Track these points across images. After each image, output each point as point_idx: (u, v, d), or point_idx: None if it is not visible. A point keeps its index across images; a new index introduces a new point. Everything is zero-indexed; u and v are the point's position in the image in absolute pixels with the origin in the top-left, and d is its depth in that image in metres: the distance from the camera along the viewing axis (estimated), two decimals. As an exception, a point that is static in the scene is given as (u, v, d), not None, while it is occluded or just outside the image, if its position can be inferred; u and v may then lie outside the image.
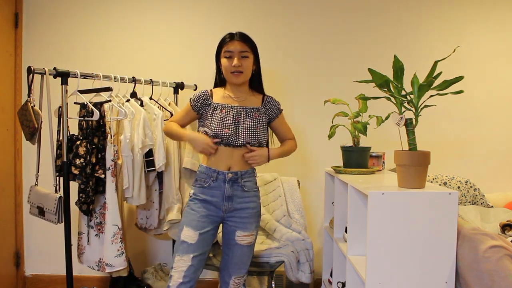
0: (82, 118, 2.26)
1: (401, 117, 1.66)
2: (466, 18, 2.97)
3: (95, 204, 2.28)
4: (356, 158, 2.19)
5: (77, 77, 2.21)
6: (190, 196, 1.98)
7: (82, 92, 2.26)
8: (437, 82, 1.63)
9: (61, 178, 2.22)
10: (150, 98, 2.58)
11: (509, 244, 1.56)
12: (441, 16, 2.97)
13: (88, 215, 2.27)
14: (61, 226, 2.19)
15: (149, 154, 2.42)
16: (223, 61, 1.94)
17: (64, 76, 2.16)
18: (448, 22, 2.97)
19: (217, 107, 1.94)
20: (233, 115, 1.92)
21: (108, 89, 2.24)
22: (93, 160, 2.19)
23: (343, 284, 2.20)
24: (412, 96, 1.67)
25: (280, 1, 3.00)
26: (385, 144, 2.51)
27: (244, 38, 1.93)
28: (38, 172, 2.32)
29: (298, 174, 2.94)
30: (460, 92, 1.66)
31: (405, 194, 1.59)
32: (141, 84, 2.56)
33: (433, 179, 2.75)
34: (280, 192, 2.74)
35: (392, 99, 1.70)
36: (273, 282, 2.42)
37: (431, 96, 1.67)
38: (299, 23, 3.00)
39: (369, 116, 2.21)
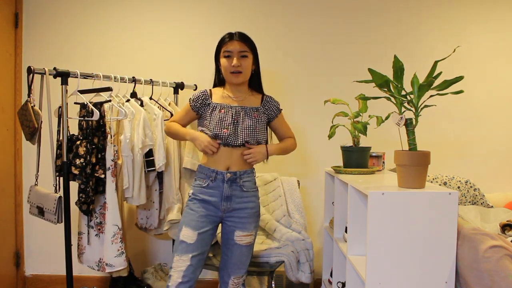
0: (82, 118, 2.26)
1: (401, 117, 1.66)
2: (466, 18, 2.97)
3: (95, 204, 2.28)
4: (356, 158, 2.19)
5: (77, 77, 2.21)
6: (189, 196, 1.98)
7: (82, 92, 2.26)
8: (437, 82, 1.63)
9: (61, 178, 2.22)
10: (150, 98, 2.58)
11: (509, 244, 1.56)
12: (441, 16, 2.97)
13: (88, 215, 2.27)
14: (61, 226, 2.19)
15: (149, 154, 2.42)
16: (223, 61, 1.94)
17: (64, 76, 2.16)
18: (448, 22, 2.97)
19: (216, 107, 1.94)
20: (232, 115, 1.92)
21: (108, 89, 2.24)
22: (93, 160, 2.19)
23: (343, 284, 2.20)
24: (412, 96, 1.67)
25: (280, 1, 3.00)
26: (385, 144, 2.51)
27: (243, 38, 1.93)
28: (38, 172, 2.32)
29: (298, 174, 2.94)
30: (460, 92, 1.66)
31: (405, 194, 1.59)
32: (141, 84, 2.56)
33: (433, 179, 2.75)
34: (280, 192, 2.74)
35: (392, 99, 1.70)
36: (273, 282, 2.42)
37: (431, 96, 1.67)
38: (299, 23, 3.00)
39: (369, 116, 2.21)
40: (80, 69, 2.24)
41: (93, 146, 2.20)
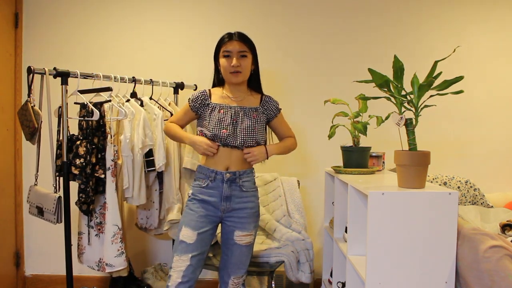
0: (82, 118, 2.26)
1: (401, 117, 1.66)
2: (466, 18, 2.97)
3: (95, 204, 2.28)
4: (356, 158, 2.19)
5: (77, 77, 2.21)
6: (189, 196, 1.98)
7: (82, 92, 2.26)
8: (437, 82, 1.63)
9: (61, 178, 2.22)
10: (150, 98, 2.58)
11: (509, 244, 1.56)
12: (441, 16, 2.97)
13: (88, 215, 2.27)
14: (61, 226, 2.19)
15: (149, 154, 2.42)
16: (222, 61, 1.94)
17: (64, 76, 2.16)
18: (448, 22, 2.97)
19: (215, 107, 1.94)
20: (231, 115, 1.92)
21: (108, 89, 2.24)
22: (93, 160, 2.19)
23: (343, 284, 2.20)
24: (412, 96, 1.67)
25: (280, 1, 3.00)
26: (385, 144, 2.51)
27: (242, 38, 1.93)
28: (37, 172, 2.32)
29: (298, 174, 2.94)
30: (460, 92, 1.66)
31: (405, 194, 1.59)
32: (141, 84, 2.56)
33: (433, 179, 2.75)
34: (280, 192, 2.74)
35: (392, 99, 1.70)
36: (273, 282, 2.42)
37: (431, 96, 1.67)
38: (299, 23, 3.00)
39: (369, 116, 2.21)
40: (80, 69, 2.25)
41: (93, 146, 2.20)
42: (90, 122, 2.24)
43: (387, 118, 1.94)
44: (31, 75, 2.11)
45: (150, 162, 2.42)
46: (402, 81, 1.66)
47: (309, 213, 3.01)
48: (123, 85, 2.47)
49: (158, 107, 2.56)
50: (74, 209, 2.22)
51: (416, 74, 1.68)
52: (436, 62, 1.62)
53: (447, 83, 1.61)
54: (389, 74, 1.66)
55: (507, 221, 2.25)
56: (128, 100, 2.43)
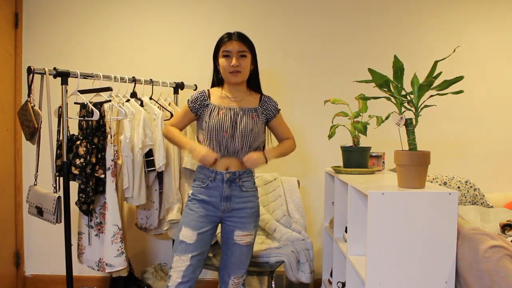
0: (82, 118, 2.26)
1: (401, 117, 1.66)
2: (466, 18, 2.97)
3: (95, 204, 2.28)
4: (356, 158, 2.19)
5: (77, 77, 2.21)
6: (189, 197, 1.98)
7: (82, 92, 2.26)
8: (437, 82, 1.63)
9: (61, 178, 2.22)
10: (150, 98, 2.58)
11: (509, 244, 1.56)
12: (441, 16, 2.97)
13: (88, 215, 2.27)
14: (61, 226, 2.19)
15: (149, 154, 2.42)
16: (221, 61, 1.94)
17: (64, 76, 2.16)
18: (448, 22, 2.97)
19: (215, 108, 1.94)
20: (230, 117, 1.92)
21: (108, 89, 2.24)
22: (93, 160, 2.19)
23: (343, 284, 2.20)
24: (412, 96, 1.67)
25: (280, 1, 3.00)
26: (385, 144, 2.51)
27: (242, 38, 1.93)
28: (37, 172, 2.32)
29: (298, 174, 2.94)
30: (460, 92, 1.66)
31: (405, 194, 1.59)
32: (141, 84, 2.56)
33: (433, 179, 2.75)
34: (280, 192, 2.74)
35: (392, 99, 1.70)
36: (273, 282, 2.42)
37: (431, 96, 1.67)
38: (299, 23, 3.00)
39: (369, 116, 2.21)
40: (80, 69, 2.24)
41: (93, 146, 2.20)
42: (90, 122, 2.24)
43: (387, 118, 1.94)
44: (31, 75, 2.11)
45: (150, 162, 2.42)
46: (402, 81, 1.66)
47: (309, 213, 3.01)
48: (123, 85, 2.47)
49: (158, 107, 2.56)
50: (74, 209, 2.22)
51: (416, 74, 1.68)
52: (436, 62, 1.62)
53: (447, 83, 1.62)
54: (389, 74, 1.66)
55: (507, 221, 2.25)
56: (128, 100, 2.43)
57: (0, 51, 2.83)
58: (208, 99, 1.97)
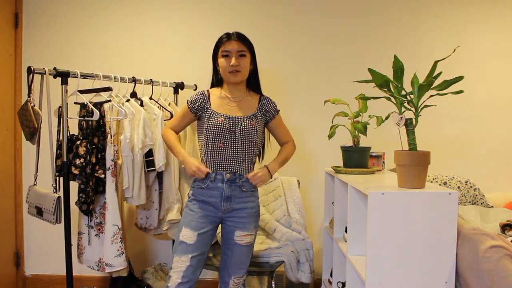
0: (82, 118, 2.26)
1: (401, 117, 1.66)
2: (466, 18, 2.97)
3: (95, 204, 2.28)
4: (356, 158, 2.19)
5: (77, 77, 2.21)
6: (189, 197, 1.98)
7: (82, 92, 2.26)
8: (437, 82, 1.63)
9: (61, 178, 2.22)
10: (150, 98, 2.58)
11: (509, 244, 1.56)
12: (441, 16, 2.97)
13: (88, 215, 2.27)
14: (61, 226, 2.19)
15: (149, 154, 2.42)
16: (221, 60, 1.93)
17: (64, 76, 2.16)
18: (448, 22, 2.97)
19: (213, 115, 1.93)
20: (229, 128, 1.92)
21: (108, 89, 2.24)
22: (93, 160, 2.19)
23: (343, 284, 2.20)
24: (412, 96, 1.67)
25: (280, 1, 3.00)
26: (385, 144, 2.51)
27: (241, 38, 1.93)
28: (37, 172, 2.32)
29: (298, 174, 2.94)
30: (460, 92, 1.66)
31: (405, 194, 1.59)
32: (141, 84, 2.56)
33: (433, 179, 2.75)
34: (280, 192, 2.74)
35: (392, 99, 1.70)
36: (273, 282, 2.42)
37: (431, 96, 1.67)
38: (299, 23, 3.00)
39: (369, 116, 2.21)
40: (80, 69, 2.24)
41: (93, 146, 2.20)
42: (90, 122, 2.24)
43: (387, 118, 1.94)
44: (31, 75, 2.11)
45: (150, 162, 2.42)
46: (402, 81, 1.66)
47: (309, 213, 3.01)
48: (123, 85, 2.47)
49: (158, 107, 2.56)
50: (74, 209, 2.22)
51: (416, 74, 1.68)
52: (436, 62, 1.62)
53: (447, 83, 1.61)
54: (389, 74, 1.66)
55: (507, 221, 2.25)
56: (128, 100, 2.43)
57: (0, 51, 2.83)
58: (208, 101, 1.97)
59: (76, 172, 2.17)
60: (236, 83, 1.96)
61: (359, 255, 1.86)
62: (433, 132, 2.96)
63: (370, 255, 1.59)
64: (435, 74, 1.63)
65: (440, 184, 2.73)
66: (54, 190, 2.21)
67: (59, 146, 2.22)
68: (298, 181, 2.84)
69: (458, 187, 2.73)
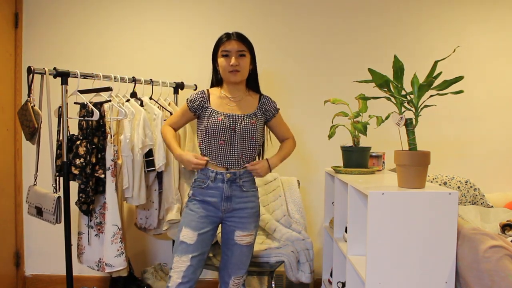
0: (82, 118, 2.26)
1: (401, 117, 1.66)
2: (466, 18, 2.97)
3: (95, 204, 2.28)
4: (356, 158, 2.19)
5: (77, 77, 2.21)
6: (189, 197, 1.98)
7: (82, 92, 2.26)
8: (437, 82, 1.63)
9: (61, 178, 2.22)
10: (150, 98, 2.58)
11: (509, 244, 1.56)
12: (441, 16, 2.97)
13: (88, 215, 2.27)
14: (61, 226, 2.19)
15: (149, 154, 2.42)
16: (220, 60, 1.94)
17: (64, 76, 2.16)
18: (448, 22, 2.97)
19: (214, 114, 1.94)
20: (229, 125, 1.92)
21: (108, 89, 2.24)
22: (93, 160, 2.19)
23: (343, 284, 2.20)
24: (412, 96, 1.67)
25: (280, 1, 3.00)
26: (385, 144, 2.51)
27: (241, 38, 1.93)
28: (37, 172, 2.32)
29: (298, 174, 2.94)
30: (460, 92, 1.66)
31: (405, 194, 1.59)
32: (141, 84, 2.56)
33: (433, 179, 2.75)
34: (280, 192, 2.74)
35: (392, 99, 1.70)
36: (273, 282, 2.42)
37: (431, 96, 1.67)
38: (299, 23, 3.00)
39: (369, 116, 2.21)
40: (80, 69, 2.24)
41: (93, 146, 2.20)
42: (90, 122, 2.24)
43: (387, 118, 1.94)
44: (31, 75, 2.10)
45: (150, 162, 2.42)
46: (402, 81, 1.66)
47: (309, 213, 3.01)
48: (123, 85, 2.47)
49: (158, 107, 2.56)
50: (74, 209, 2.22)
51: (416, 74, 1.68)
52: (436, 62, 1.62)
53: (447, 83, 1.61)
54: (389, 74, 1.66)
55: (507, 221, 2.25)
56: (128, 100, 2.43)
57: (0, 51, 2.83)
58: (208, 101, 1.97)
59: (76, 172, 2.17)
60: (236, 83, 1.96)
61: (359, 255, 1.86)
62: (433, 132, 2.96)
63: (370, 255, 1.59)
64: (435, 74, 1.63)
65: (440, 184, 2.73)
66: (54, 190, 2.21)
67: (59, 146, 2.22)
68: (298, 181, 2.84)
69: (458, 187, 2.73)
